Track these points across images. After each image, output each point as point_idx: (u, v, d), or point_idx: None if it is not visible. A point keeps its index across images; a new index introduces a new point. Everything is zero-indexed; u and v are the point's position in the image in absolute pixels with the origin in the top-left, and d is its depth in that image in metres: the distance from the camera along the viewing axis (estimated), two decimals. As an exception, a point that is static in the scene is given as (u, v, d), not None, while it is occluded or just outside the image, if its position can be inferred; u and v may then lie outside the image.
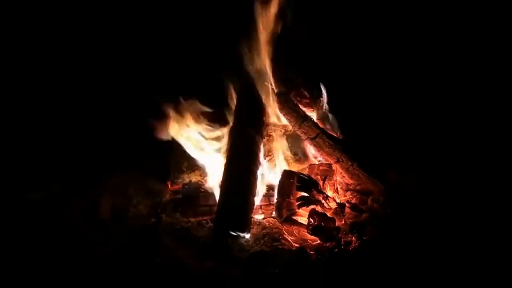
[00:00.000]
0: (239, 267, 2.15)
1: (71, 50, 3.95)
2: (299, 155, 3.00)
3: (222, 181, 2.62)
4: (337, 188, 2.80)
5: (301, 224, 2.44)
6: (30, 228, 2.50)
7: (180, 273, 2.12)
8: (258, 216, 2.71)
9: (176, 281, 2.09)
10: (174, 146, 3.12)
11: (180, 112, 2.99)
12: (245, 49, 2.98)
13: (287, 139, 3.05)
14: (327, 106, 3.21)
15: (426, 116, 3.52)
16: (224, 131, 3.01)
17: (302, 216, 2.48)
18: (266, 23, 2.97)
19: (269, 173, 2.93)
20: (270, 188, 2.80)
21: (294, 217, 2.48)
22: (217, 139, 3.03)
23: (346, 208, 2.58)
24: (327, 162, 2.85)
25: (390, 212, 2.53)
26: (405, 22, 4.00)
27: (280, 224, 2.52)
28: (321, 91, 3.22)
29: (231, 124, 2.96)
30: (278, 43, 3.04)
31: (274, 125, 3.13)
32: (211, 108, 3.08)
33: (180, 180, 3.05)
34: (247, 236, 2.43)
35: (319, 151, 2.89)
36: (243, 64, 3.00)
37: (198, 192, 2.89)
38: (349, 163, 2.78)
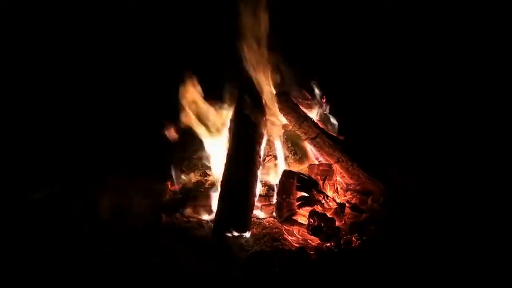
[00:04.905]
0: (239, 267, 2.15)
1: (71, 50, 3.95)
2: (299, 155, 3.00)
3: (222, 181, 2.61)
4: (337, 188, 2.80)
5: (301, 224, 2.44)
6: (31, 228, 2.50)
7: (180, 273, 2.12)
8: (258, 216, 2.71)
9: (176, 281, 2.09)
10: (174, 146, 3.13)
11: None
12: (245, 50, 2.98)
13: (287, 139, 3.05)
14: (327, 106, 3.22)
15: (426, 116, 3.52)
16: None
17: (302, 216, 2.48)
18: (265, 23, 2.96)
19: (269, 173, 2.93)
20: (270, 188, 2.80)
21: (294, 217, 2.47)
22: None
23: (346, 208, 2.58)
24: (327, 162, 2.85)
25: (390, 212, 2.53)
26: (405, 22, 4.00)
27: (280, 224, 2.52)
28: (322, 91, 3.23)
29: (230, 123, 2.96)
30: (278, 43, 3.04)
31: (274, 125, 3.13)
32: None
33: (180, 180, 3.05)
34: (247, 236, 2.43)
35: (319, 151, 2.89)
36: (243, 64, 3.00)
37: (198, 192, 2.88)
38: (349, 163, 2.78)
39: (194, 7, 3.89)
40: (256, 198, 2.65)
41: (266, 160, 2.96)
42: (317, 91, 3.27)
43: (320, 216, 2.36)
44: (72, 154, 3.30)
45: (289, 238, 2.43)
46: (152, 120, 3.53)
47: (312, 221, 2.35)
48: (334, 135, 3.02)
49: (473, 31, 3.89)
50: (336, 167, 2.83)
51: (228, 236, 2.37)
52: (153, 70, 3.88)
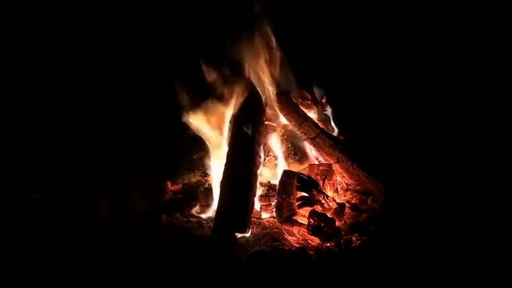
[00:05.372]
0: (239, 267, 2.15)
1: (71, 50, 3.95)
2: (299, 155, 3.00)
3: (222, 181, 2.62)
4: (337, 188, 2.80)
5: (301, 224, 2.44)
6: (31, 228, 2.50)
7: (180, 273, 2.12)
8: (258, 216, 2.71)
9: (175, 281, 2.09)
10: (174, 146, 3.13)
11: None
12: (246, 50, 2.98)
13: (287, 139, 3.05)
14: (328, 106, 3.22)
15: (426, 116, 3.52)
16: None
17: (302, 216, 2.48)
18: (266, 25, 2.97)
19: (269, 173, 2.93)
20: (270, 188, 2.80)
21: (294, 217, 2.47)
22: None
23: (346, 208, 2.58)
24: (327, 162, 2.85)
25: (390, 212, 2.53)
26: (405, 22, 4.00)
27: (280, 224, 2.52)
28: (322, 91, 3.24)
29: (230, 123, 2.96)
30: (278, 43, 3.04)
31: (274, 125, 3.14)
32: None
33: (180, 180, 3.05)
34: (247, 236, 2.43)
35: (319, 151, 2.89)
36: (243, 64, 3.00)
37: (198, 192, 2.89)
38: (349, 163, 2.78)
39: (193, 7, 3.89)
40: (256, 198, 2.65)
41: (266, 160, 2.96)
42: (317, 91, 3.27)
43: (320, 216, 2.36)
44: (72, 154, 3.30)
45: (289, 238, 2.43)
46: (152, 120, 3.54)
47: (312, 221, 2.35)
48: (334, 135, 3.02)
49: (473, 31, 3.89)
50: (336, 167, 2.83)
51: (228, 236, 2.37)
52: (153, 70, 3.88)
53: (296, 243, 2.39)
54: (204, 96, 3.07)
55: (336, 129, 3.15)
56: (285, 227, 2.48)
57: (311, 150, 2.98)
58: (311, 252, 2.27)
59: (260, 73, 3.05)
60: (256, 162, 2.70)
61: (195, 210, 2.78)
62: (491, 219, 2.36)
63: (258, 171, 2.71)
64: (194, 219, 2.69)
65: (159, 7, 3.95)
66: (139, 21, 3.94)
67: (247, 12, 2.96)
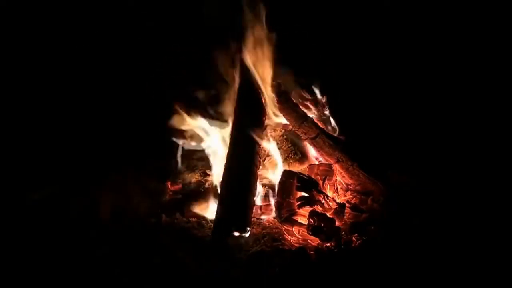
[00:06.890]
0: (239, 267, 2.15)
1: (71, 50, 3.95)
2: (299, 155, 2.99)
3: (222, 181, 2.61)
4: (337, 188, 2.80)
5: (301, 224, 2.44)
6: (30, 228, 2.50)
7: (180, 273, 2.12)
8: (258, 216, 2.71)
9: (175, 281, 2.09)
10: (174, 146, 3.13)
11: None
12: (245, 48, 2.98)
13: (287, 139, 3.05)
14: (328, 106, 3.22)
15: (426, 116, 3.52)
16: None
17: (302, 216, 2.48)
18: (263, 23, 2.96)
19: (269, 173, 2.93)
20: (270, 188, 2.80)
21: (294, 217, 2.47)
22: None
23: (346, 208, 2.58)
24: (327, 162, 2.85)
25: (390, 212, 2.53)
26: (405, 22, 4.00)
27: (280, 224, 2.52)
28: (322, 91, 3.23)
29: (230, 123, 2.96)
30: (278, 42, 3.04)
31: (274, 125, 3.14)
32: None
33: (180, 180, 3.05)
34: (247, 236, 2.43)
35: (319, 151, 2.89)
36: (243, 64, 3.00)
37: (198, 192, 2.88)
38: (349, 163, 2.78)
39: (193, 7, 3.89)
40: (256, 198, 2.65)
41: (266, 160, 2.96)
42: (317, 91, 3.27)
43: (320, 216, 2.36)
44: (72, 154, 3.31)
45: (289, 238, 2.43)
46: (153, 120, 3.54)
47: (312, 221, 2.35)
48: (334, 135, 3.02)
49: (473, 31, 3.89)
50: (336, 167, 2.83)
51: (228, 236, 2.37)
52: (154, 70, 3.89)
53: (296, 243, 2.39)
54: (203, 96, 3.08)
55: (336, 129, 3.15)
56: (285, 227, 2.48)
57: (311, 150, 2.98)
58: (311, 252, 2.27)
59: (260, 73, 3.04)
60: (256, 162, 2.70)
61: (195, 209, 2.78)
62: (491, 219, 2.36)
63: (258, 171, 2.71)
64: (194, 219, 2.69)
65: (159, 7, 3.96)
66: (140, 21, 3.95)
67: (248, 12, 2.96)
